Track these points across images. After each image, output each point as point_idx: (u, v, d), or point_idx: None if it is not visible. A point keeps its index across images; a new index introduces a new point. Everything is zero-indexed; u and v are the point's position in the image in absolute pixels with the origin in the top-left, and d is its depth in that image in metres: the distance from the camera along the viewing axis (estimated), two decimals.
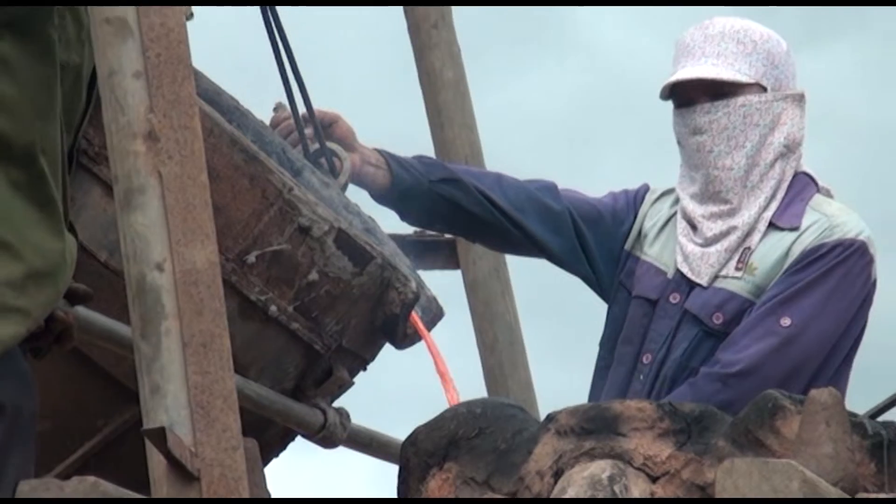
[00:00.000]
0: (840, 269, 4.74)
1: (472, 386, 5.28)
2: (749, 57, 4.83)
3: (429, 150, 5.67)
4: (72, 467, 4.09)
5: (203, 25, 3.94)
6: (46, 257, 3.84)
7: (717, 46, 4.87)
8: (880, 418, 4.10)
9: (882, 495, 3.49)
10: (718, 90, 4.84)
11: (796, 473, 3.15)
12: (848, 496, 3.35)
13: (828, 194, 4.99)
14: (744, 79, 4.85)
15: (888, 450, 3.83)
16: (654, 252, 5.01)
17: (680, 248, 4.91)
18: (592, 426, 3.93)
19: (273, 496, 3.81)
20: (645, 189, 5.16)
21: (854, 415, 3.79)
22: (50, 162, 3.87)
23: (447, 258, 5.55)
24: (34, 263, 3.81)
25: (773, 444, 3.77)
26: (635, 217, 5.10)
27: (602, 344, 5.09)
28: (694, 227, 4.89)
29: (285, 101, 5.05)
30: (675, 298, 4.88)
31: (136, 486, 3.47)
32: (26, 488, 3.42)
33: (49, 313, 3.91)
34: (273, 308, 4.52)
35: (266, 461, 4.08)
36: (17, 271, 3.76)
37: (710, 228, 4.85)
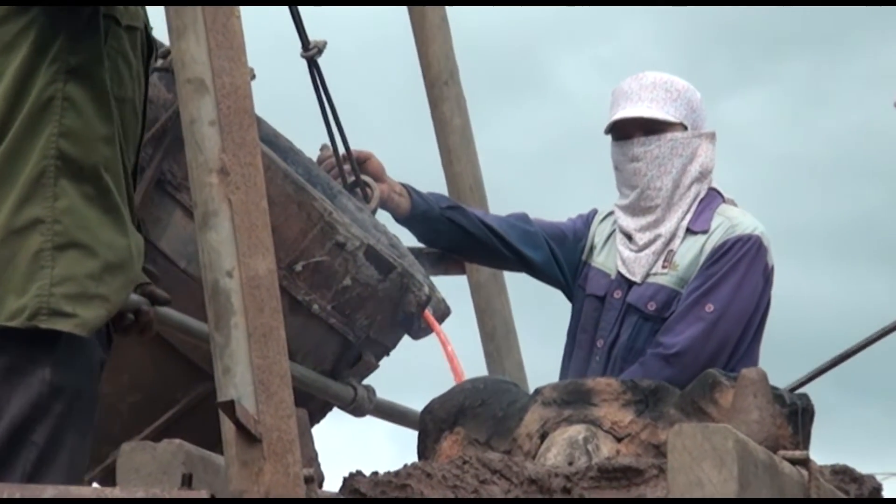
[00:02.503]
0: (744, 260, 4.91)
1: (474, 367, 5.32)
2: (675, 102, 4.97)
3: (440, 182, 5.71)
4: (157, 430, 4.09)
5: (264, 83, 4.00)
6: (117, 253, 3.86)
7: (650, 93, 5.00)
8: (796, 392, 4.13)
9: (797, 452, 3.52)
10: (651, 127, 4.98)
11: (731, 435, 3.16)
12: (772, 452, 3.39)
13: (732, 203, 5.13)
14: (671, 119, 4.99)
15: (801, 416, 3.90)
16: (600, 260, 5.14)
17: (619, 255, 5.05)
18: (571, 398, 4.01)
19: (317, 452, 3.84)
20: (593, 212, 5.29)
21: (776, 388, 3.85)
22: (113, 177, 3.90)
23: (455, 266, 5.59)
24: (108, 258, 3.83)
25: (712, 412, 3.83)
26: (587, 234, 5.21)
27: (568, 334, 5.20)
28: (629, 237, 5.04)
29: (328, 143, 5.12)
30: (617, 294, 5.02)
31: (208, 446, 3.53)
32: (126, 448, 3.46)
33: (126, 298, 3.92)
34: (315, 306, 4.57)
35: (311, 426, 4.11)
36: (94, 266, 3.79)
37: (641, 238, 5.01)
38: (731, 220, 5.00)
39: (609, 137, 5.13)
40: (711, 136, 5.11)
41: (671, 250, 4.97)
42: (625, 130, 5.03)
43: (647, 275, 5.00)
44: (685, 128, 5.01)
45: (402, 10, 5.98)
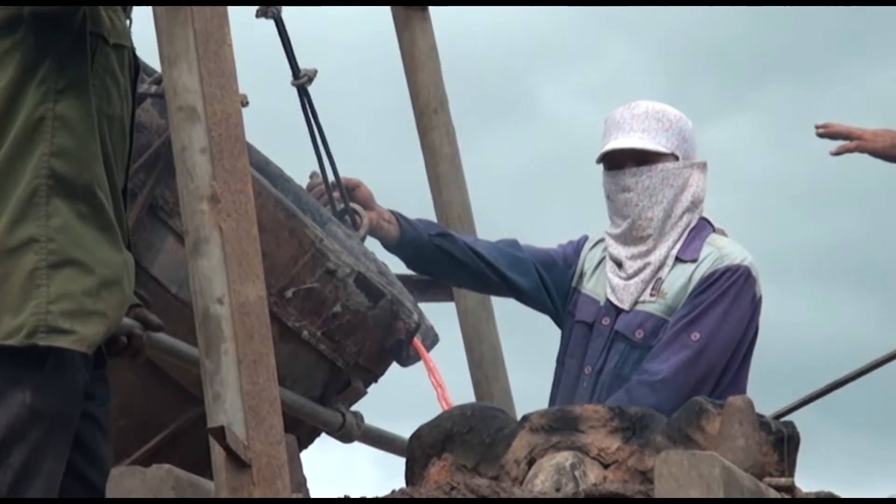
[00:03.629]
0: (732, 289, 4.87)
1: (462, 394, 5.32)
2: (666, 133, 4.95)
3: (429, 209, 5.71)
4: (146, 454, 4.09)
5: (255, 110, 4.00)
6: (112, 269, 3.83)
7: (642, 123, 4.99)
8: (782, 419, 4.14)
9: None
10: (643, 158, 4.95)
11: (717, 462, 3.17)
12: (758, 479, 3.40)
13: (721, 233, 5.11)
14: (663, 150, 4.96)
15: (787, 443, 3.91)
16: (590, 286, 5.11)
17: (608, 282, 5.03)
18: (558, 425, 4.00)
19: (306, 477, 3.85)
20: (584, 239, 5.25)
21: (762, 416, 3.86)
22: (105, 195, 3.90)
23: (443, 293, 5.59)
24: (104, 275, 3.79)
25: (699, 439, 3.83)
26: (577, 260, 5.20)
27: (556, 360, 5.17)
28: (619, 265, 5.01)
29: (318, 171, 5.13)
30: (606, 321, 4.99)
31: (196, 471, 3.51)
32: (116, 473, 3.48)
33: (122, 315, 3.89)
34: (305, 333, 4.55)
35: (299, 452, 4.12)
36: (91, 283, 3.75)
37: (631, 266, 4.98)
38: (721, 251, 4.98)
39: (601, 166, 5.11)
40: (703, 166, 5.10)
41: (660, 279, 4.96)
42: (617, 160, 5.01)
43: (636, 302, 4.97)
44: (677, 158, 4.99)
45: (393, 38, 5.99)
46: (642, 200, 4.96)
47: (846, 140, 4.93)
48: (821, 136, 5.02)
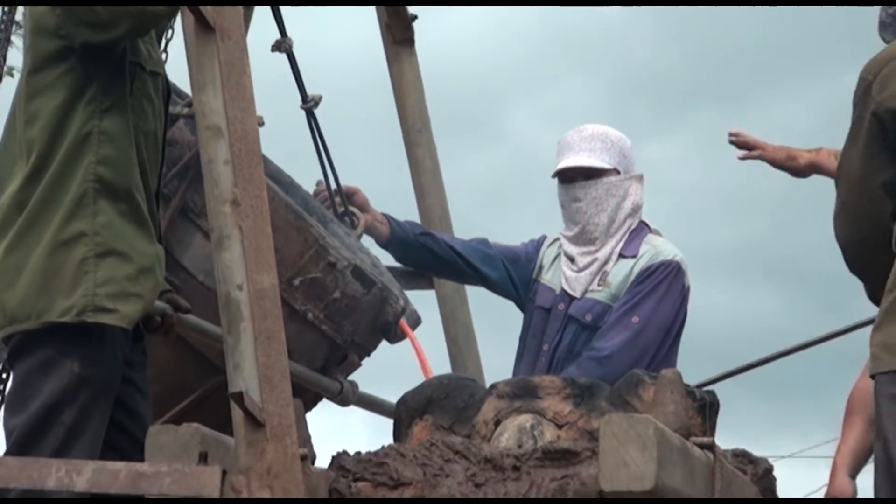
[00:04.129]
0: (665, 281, 4.96)
1: (440, 366, 5.32)
2: (609, 151, 5.00)
3: (414, 212, 5.72)
4: (177, 415, 4.08)
5: (270, 129, 4.02)
6: (147, 258, 3.89)
7: (589, 144, 5.04)
8: (705, 389, 4.16)
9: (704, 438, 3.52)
10: (590, 173, 5.01)
11: (651, 424, 3.17)
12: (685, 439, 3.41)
13: (657, 233, 5.17)
14: (606, 166, 5.02)
15: (709, 409, 3.92)
16: (548, 277, 5.17)
17: (563, 275, 5.09)
18: (520, 392, 4.01)
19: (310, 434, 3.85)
20: (543, 238, 5.30)
21: (688, 386, 3.87)
22: (141, 197, 3.93)
23: (425, 282, 5.60)
24: (141, 263, 3.86)
25: (636, 405, 3.84)
26: (537, 256, 5.24)
27: (519, 339, 5.22)
28: (572, 260, 5.08)
29: (322, 179, 5.14)
30: (561, 307, 5.05)
31: (219, 428, 3.51)
32: (152, 430, 3.47)
33: (155, 297, 3.95)
34: (310, 315, 4.55)
35: (305, 413, 4.11)
36: (131, 269, 3.82)
37: (582, 261, 5.05)
38: (656, 248, 5.05)
39: (556, 180, 5.15)
40: (640, 178, 5.16)
41: (605, 271, 5.02)
42: (568, 175, 5.06)
43: (586, 291, 5.04)
44: (619, 172, 5.04)
45: (385, 70, 5.99)
46: (590, 209, 5.02)
47: (752, 149, 5.03)
48: (732, 142, 5.08)
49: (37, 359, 3.80)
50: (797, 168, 4.85)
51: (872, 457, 4.76)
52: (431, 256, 5.34)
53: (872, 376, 3.56)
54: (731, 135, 4.89)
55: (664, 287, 4.98)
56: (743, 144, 4.85)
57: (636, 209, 5.10)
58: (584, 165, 5.03)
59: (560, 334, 5.04)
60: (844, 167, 3.76)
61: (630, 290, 4.98)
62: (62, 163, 3.86)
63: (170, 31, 4.39)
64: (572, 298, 5.07)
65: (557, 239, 5.24)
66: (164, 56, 4.37)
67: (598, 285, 5.04)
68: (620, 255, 5.05)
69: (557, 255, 5.22)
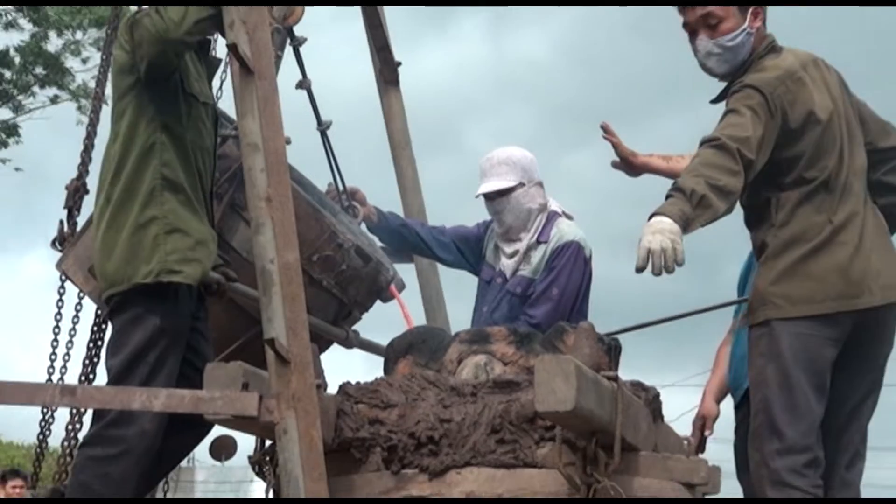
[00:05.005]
0: (570, 258, 4.97)
1: (418, 320, 5.34)
2: (513, 171, 4.98)
3: (399, 207, 5.74)
4: (227, 356, 4.04)
5: (295, 145, 4.03)
6: (201, 234, 3.92)
7: (497, 170, 5.02)
8: (611, 336, 4.16)
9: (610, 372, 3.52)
10: (502, 192, 4.99)
11: (572, 362, 3.14)
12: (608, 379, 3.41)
13: (567, 216, 5.15)
14: (513, 184, 5.00)
15: (613, 351, 3.93)
16: (489, 257, 5.20)
17: (498, 258, 5.14)
18: (476, 339, 4.04)
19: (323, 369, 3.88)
20: (490, 221, 5.27)
21: (598, 334, 3.87)
22: (194, 192, 3.96)
23: (407, 257, 5.60)
24: (197, 237, 3.89)
25: (561, 348, 3.85)
26: (484, 238, 5.27)
27: (475, 301, 5.25)
28: (503, 251, 5.11)
29: (332, 182, 5.13)
30: (499, 280, 5.10)
31: (257, 365, 3.50)
32: (208, 367, 3.47)
33: (211, 263, 3.97)
34: (324, 282, 4.55)
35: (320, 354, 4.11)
36: (190, 242, 3.86)
37: (509, 250, 5.09)
38: (561, 232, 5.04)
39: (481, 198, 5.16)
40: (541, 183, 5.12)
41: (528, 255, 5.05)
42: (488, 196, 5.06)
43: (514, 272, 5.07)
44: (523, 184, 5.02)
45: (377, 101, 5.98)
46: (508, 217, 5.04)
47: (616, 149, 4.64)
48: (602, 126, 4.69)
49: (129, 315, 3.82)
50: (633, 164, 4.54)
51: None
52: (405, 241, 5.39)
53: (766, 321, 3.50)
54: (602, 127, 4.65)
55: (571, 262, 4.99)
56: (607, 131, 4.58)
57: (542, 207, 5.09)
58: (496, 189, 5.01)
59: (498, 301, 5.08)
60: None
61: (547, 267, 5.01)
62: (135, 166, 3.90)
63: (224, 74, 4.40)
64: (506, 276, 5.10)
65: (493, 232, 5.26)
66: (219, 92, 4.40)
67: (523, 266, 5.06)
68: (538, 241, 5.06)
69: (493, 245, 5.24)
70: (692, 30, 3.72)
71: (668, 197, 3.32)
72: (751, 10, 3.66)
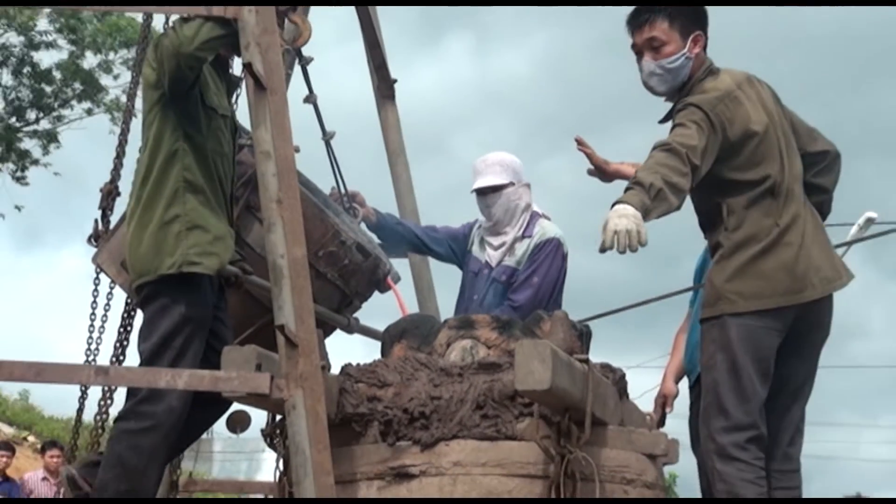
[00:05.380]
0: (550, 253, 4.95)
1: (412, 308, 5.34)
2: (505, 171, 4.97)
3: (394, 208, 5.73)
4: (242, 339, 4.02)
5: (303, 153, 4.01)
6: (219, 230, 3.90)
7: (491, 169, 5.01)
8: (582, 323, 4.16)
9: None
10: (494, 188, 4.98)
11: (548, 346, 3.14)
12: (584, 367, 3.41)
13: (546, 217, 5.12)
14: (504, 182, 4.99)
15: (585, 337, 3.93)
16: (476, 250, 5.16)
17: (485, 251, 5.08)
18: (463, 325, 4.02)
19: (327, 352, 3.89)
20: (475, 221, 5.25)
21: (572, 321, 3.87)
22: (214, 194, 3.95)
23: (402, 253, 5.58)
24: (215, 233, 3.87)
25: (539, 333, 3.83)
26: (470, 235, 5.24)
27: (460, 290, 5.23)
28: (490, 243, 5.07)
29: (335, 185, 5.10)
30: (486, 271, 5.06)
31: (269, 348, 3.49)
32: (225, 349, 3.48)
33: (228, 257, 3.94)
34: (329, 275, 4.51)
35: (324, 339, 4.10)
36: (209, 237, 3.84)
37: (496, 243, 5.05)
38: (544, 229, 5.03)
39: (475, 194, 5.13)
40: (528, 185, 5.12)
41: (513, 248, 5.03)
42: (481, 191, 5.04)
43: (500, 262, 5.04)
44: (513, 184, 5.02)
45: (375, 113, 5.98)
46: (498, 211, 5.02)
47: (590, 159, 4.37)
48: (576, 139, 4.46)
49: (158, 304, 3.81)
50: (606, 171, 4.35)
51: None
52: (401, 238, 5.33)
53: (718, 315, 3.47)
54: (576, 139, 4.57)
55: (551, 257, 4.97)
56: (581, 143, 4.51)
57: (528, 206, 5.07)
58: (489, 185, 5.00)
59: (485, 290, 5.04)
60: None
61: (529, 259, 4.98)
62: (160, 170, 3.89)
63: (239, 90, 4.38)
64: (492, 267, 5.07)
65: (482, 225, 5.23)
66: (235, 106, 4.37)
67: (508, 257, 5.03)
68: (522, 236, 5.04)
69: (480, 238, 5.21)
70: (639, 51, 3.71)
71: (627, 189, 3.31)
72: (692, 36, 3.64)
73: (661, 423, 4.77)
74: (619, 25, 3.77)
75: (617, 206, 3.23)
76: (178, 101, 3.89)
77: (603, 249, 3.20)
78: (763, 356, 3.40)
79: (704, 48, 3.68)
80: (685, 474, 4.92)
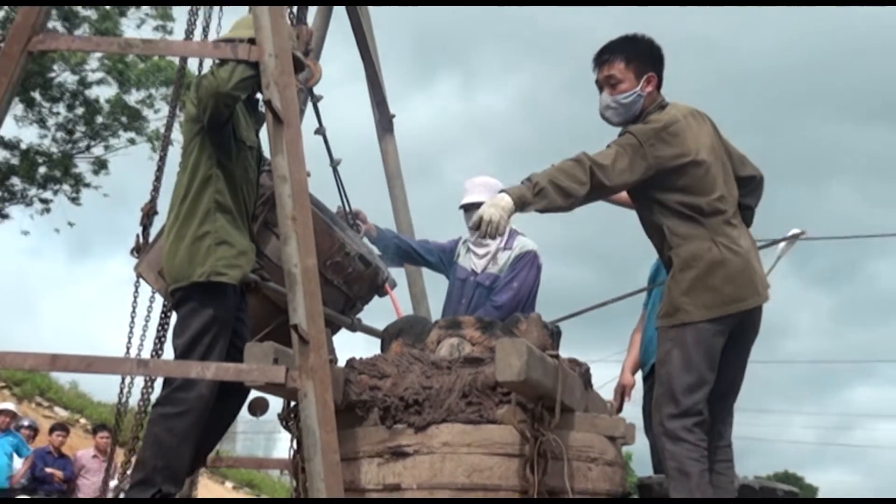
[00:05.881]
0: (528, 263, 4.87)
1: (406, 310, 5.31)
2: (489, 191, 4.81)
3: (392, 224, 5.70)
4: (262, 337, 3.99)
5: (314, 178, 3.97)
6: (243, 245, 3.86)
7: (478, 189, 4.96)
8: (554, 324, 4.14)
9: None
10: (479, 205, 4.92)
11: (525, 343, 3.14)
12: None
13: (522, 234, 5.05)
14: (487, 199, 4.94)
15: (556, 335, 3.91)
16: (462, 261, 5.08)
17: (471, 260, 5.00)
18: (451, 325, 3.97)
19: (335, 348, 3.87)
20: (459, 238, 5.20)
21: (544, 322, 3.85)
22: (240, 213, 3.91)
23: (398, 263, 5.56)
24: (240, 248, 3.83)
25: (517, 333, 3.80)
26: (456, 249, 5.18)
27: (447, 295, 5.15)
28: (475, 253, 4.99)
29: (341, 205, 5.06)
30: (472, 278, 4.98)
31: (285, 344, 3.45)
32: (247, 346, 3.45)
33: (249, 268, 3.89)
34: (335, 281, 4.49)
35: (332, 336, 4.08)
36: (234, 252, 3.80)
37: (481, 252, 4.96)
38: (522, 243, 4.98)
39: (462, 209, 5.11)
40: None
41: (495, 257, 4.97)
42: (467, 208, 5.00)
43: (484, 269, 4.98)
44: None
45: (376, 143, 5.96)
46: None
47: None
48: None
49: (190, 307, 3.77)
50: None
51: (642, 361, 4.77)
52: (398, 250, 5.27)
53: (673, 325, 3.43)
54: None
55: (529, 266, 4.92)
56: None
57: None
58: (476, 201, 4.93)
59: (471, 293, 4.99)
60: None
61: (510, 267, 4.92)
62: (196, 191, 3.86)
63: (261, 124, 4.36)
64: (477, 273, 5.02)
65: (466, 240, 5.19)
66: (258, 138, 4.35)
67: (491, 265, 4.98)
68: (504, 248, 4.99)
69: (467, 249, 5.17)
70: (599, 86, 3.69)
71: (523, 182, 3.37)
72: (645, 76, 3.61)
73: (620, 409, 4.75)
74: (581, 70, 3.75)
75: (498, 195, 3.35)
76: (214, 134, 3.87)
77: (471, 228, 3.36)
78: (712, 355, 3.39)
79: (658, 87, 3.65)
80: (640, 453, 4.90)
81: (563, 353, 3.77)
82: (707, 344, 3.37)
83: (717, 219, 3.47)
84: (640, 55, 3.61)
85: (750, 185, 3.71)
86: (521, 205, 3.31)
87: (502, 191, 3.36)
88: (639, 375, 4.92)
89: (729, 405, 3.63)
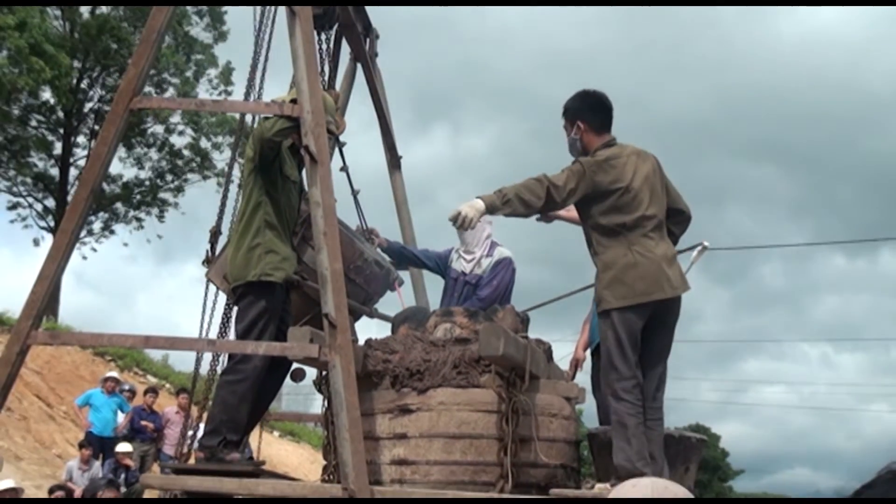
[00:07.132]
0: (505, 266, 4.62)
1: (410, 302, 5.24)
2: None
3: (400, 239, 5.61)
4: (303, 323, 3.92)
5: (340, 204, 3.90)
6: (286, 252, 3.79)
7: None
8: (525, 312, 4.07)
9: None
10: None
11: (501, 328, 3.13)
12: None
13: (500, 244, 4.82)
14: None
15: (526, 321, 3.86)
16: (454, 265, 4.88)
17: (461, 264, 4.86)
18: (445, 314, 3.90)
19: (356, 330, 3.78)
20: (451, 248, 5.01)
21: (517, 311, 3.80)
22: (284, 230, 3.83)
23: (405, 267, 5.46)
24: (283, 255, 3.76)
25: (496, 320, 3.73)
26: (450, 256, 5.03)
27: (443, 292, 5.01)
28: (464, 259, 4.83)
29: (360, 224, 4.98)
30: (462, 278, 4.79)
31: (318, 328, 3.37)
32: (291, 329, 3.37)
33: (292, 271, 3.80)
34: (357, 280, 4.43)
35: (354, 322, 4.01)
36: (279, 258, 3.72)
37: (468, 257, 4.74)
38: (500, 252, 4.78)
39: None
40: (490, 223, 4.82)
41: (479, 262, 4.84)
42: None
43: (471, 271, 4.82)
44: (480, 221, 4.81)
45: (387, 177, 5.89)
46: (471, 240, 4.69)
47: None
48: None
49: (247, 300, 3.71)
50: (548, 215, 3.98)
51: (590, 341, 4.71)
52: (404, 257, 5.10)
53: (605, 310, 3.37)
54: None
55: (505, 268, 4.74)
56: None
57: (489, 236, 4.77)
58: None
59: (462, 289, 4.88)
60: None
61: (491, 270, 4.73)
62: (250, 213, 3.81)
63: (303, 165, 4.29)
64: (466, 274, 4.95)
65: (457, 249, 5.07)
66: (300, 175, 4.27)
67: (476, 268, 4.87)
68: (487, 255, 4.87)
69: (458, 256, 5.07)
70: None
71: (495, 192, 3.36)
72: (576, 125, 3.60)
73: (573, 377, 4.70)
74: (543, 120, 3.72)
75: (474, 199, 3.34)
76: (264, 170, 3.82)
77: (450, 220, 3.30)
78: (633, 334, 3.35)
79: (596, 130, 3.61)
80: (589, 410, 4.84)
81: (531, 334, 3.75)
82: (627, 325, 3.33)
83: (637, 232, 3.43)
84: (571, 108, 3.60)
85: (679, 218, 3.68)
86: (491, 209, 3.32)
87: (478, 197, 3.33)
88: (588, 352, 4.87)
89: (659, 373, 3.56)
